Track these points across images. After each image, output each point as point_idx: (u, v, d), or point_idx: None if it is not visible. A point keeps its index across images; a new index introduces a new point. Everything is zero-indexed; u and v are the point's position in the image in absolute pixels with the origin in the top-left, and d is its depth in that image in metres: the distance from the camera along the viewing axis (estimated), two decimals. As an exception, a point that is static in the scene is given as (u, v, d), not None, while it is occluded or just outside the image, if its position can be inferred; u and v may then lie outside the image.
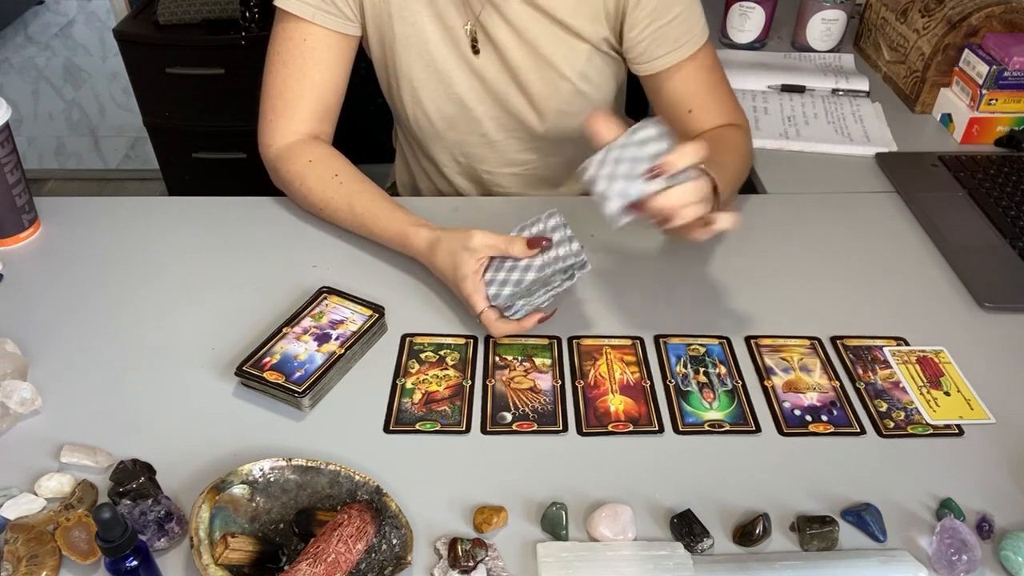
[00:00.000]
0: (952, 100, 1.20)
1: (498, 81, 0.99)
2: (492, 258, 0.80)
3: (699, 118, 0.98)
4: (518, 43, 0.96)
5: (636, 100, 1.21)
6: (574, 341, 0.82)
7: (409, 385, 0.77)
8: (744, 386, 0.77)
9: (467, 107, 1.01)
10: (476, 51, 0.97)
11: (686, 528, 0.63)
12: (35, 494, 0.65)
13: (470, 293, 0.79)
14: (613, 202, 0.71)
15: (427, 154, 1.10)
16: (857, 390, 0.77)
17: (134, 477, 0.64)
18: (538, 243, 0.78)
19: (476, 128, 1.04)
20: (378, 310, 0.82)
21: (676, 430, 0.73)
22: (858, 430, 0.73)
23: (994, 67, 1.12)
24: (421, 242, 0.86)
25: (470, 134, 1.05)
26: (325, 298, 0.83)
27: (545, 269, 0.78)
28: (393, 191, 1.25)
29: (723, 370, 0.79)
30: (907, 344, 0.82)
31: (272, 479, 0.65)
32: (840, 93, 1.29)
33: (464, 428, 0.73)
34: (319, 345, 0.77)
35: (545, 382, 0.77)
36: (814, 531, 0.63)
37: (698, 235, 0.75)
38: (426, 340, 0.81)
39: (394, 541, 0.61)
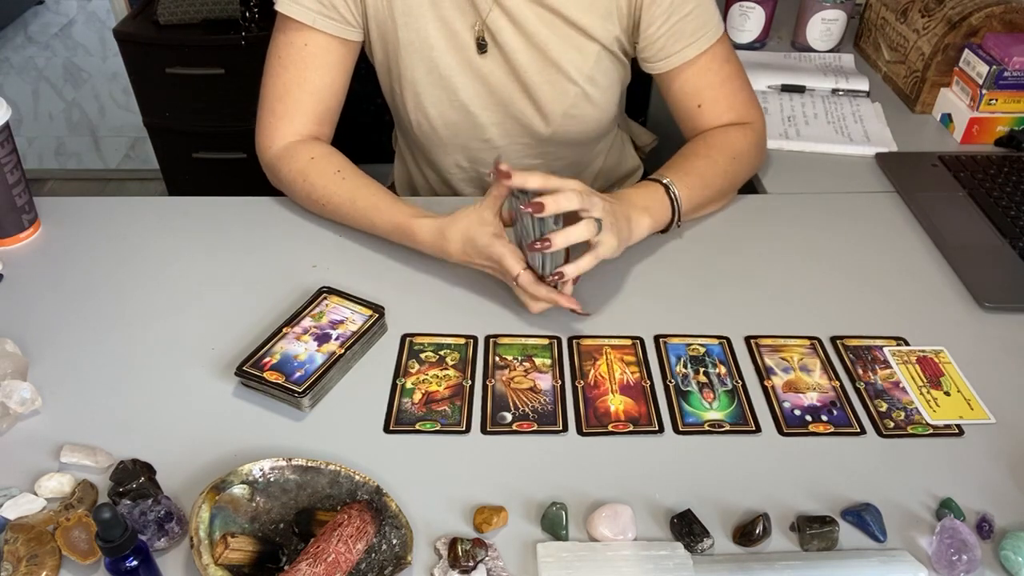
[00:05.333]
0: (952, 100, 1.20)
1: (503, 85, 0.99)
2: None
3: (708, 113, 0.98)
4: (526, 45, 0.95)
5: (636, 100, 1.22)
6: (574, 341, 0.82)
7: (409, 385, 0.77)
8: (744, 386, 0.77)
9: (471, 113, 1.01)
10: (481, 52, 0.96)
11: (686, 528, 0.63)
12: (35, 494, 0.65)
13: (502, 255, 0.79)
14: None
15: (429, 159, 1.10)
16: (857, 390, 0.77)
17: (134, 477, 0.64)
18: (497, 164, 0.78)
19: (480, 134, 1.04)
20: (378, 310, 0.82)
21: (676, 430, 0.73)
22: (858, 430, 0.73)
23: (994, 67, 1.12)
24: (426, 232, 0.86)
25: (474, 140, 1.05)
26: (325, 298, 0.83)
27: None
28: (391, 192, 1.24)
29: (723, 370, 0.79)
30: (907, 344, 0.82)
31: (272, 479, 0.65)
32: (840, 93, 1.29)
33: (464, 428, 0.73)
34: (319, 345, 0.77)
35: (545, 382, 0.77)
36: (814, 531, 0.63)
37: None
38: (426, 340, 0.81)
39: (394, 541, 0.61)
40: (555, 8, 0.93)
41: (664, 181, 0.89)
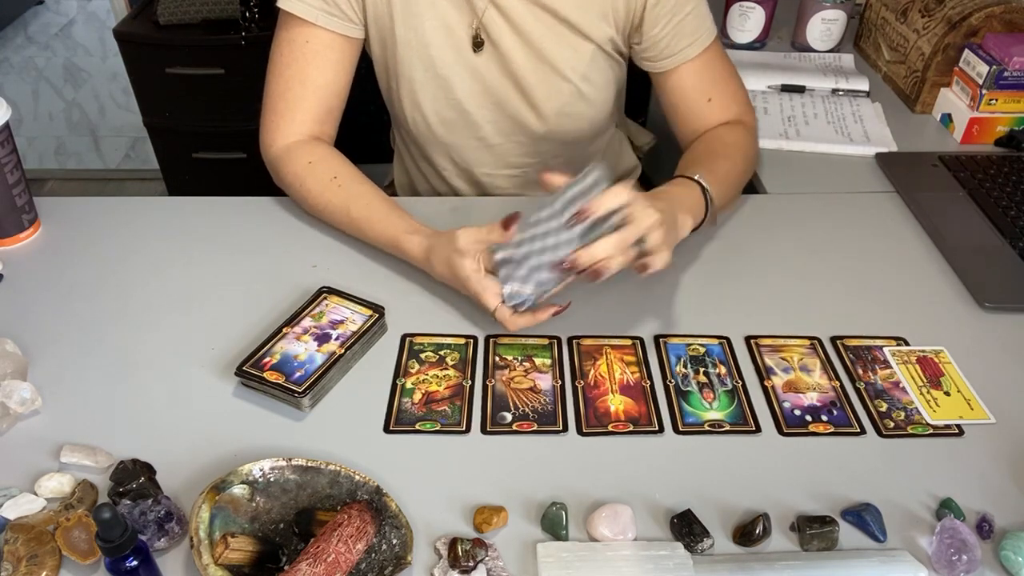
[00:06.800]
0: (952, 100, 1.20)
1: (499, 83, 0.99)
2: (505, 260, 0.79)
3: (717, 106, 0.99)
4: (521, 44, 0.96)
5: (636, 100, 1.21)
6: (574, 341, 0.82)
7: (409, 385, 0.77)
8: (744, 386, 0.77)
9: (466, 111, 1.01)
10: (476, 50, 0.97)
11: (686, 528, 0.63)
12: (35, 494, 0.65)
13: (478, 293, 0.79)
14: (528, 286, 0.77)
15: (425, 156, 1.10)
16: (857, 390, 0.77)
17: (134, 477, 0.64)
18: (511, 221, 0.77)
19: (475, 132, 1.04)
20: (378, 310, 0.82)
21: (676, 430, 0.73)
22: (858, 430, 0.73)
23: (994, 67, 1.12)
24: (415, 250, 0.86)
25: (469, 138, 1.05)
26: (325, 298, 0.83)
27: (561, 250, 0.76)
28: (391, 191, 1.25)
29: (723, 370, 0.79)
30: (907, 344, 0.82)
31: (272, 479, 0.65)
32: (840, 93, 1.29)
33: (464, 428, 0.73)
34: (319, 345, 0.77)
35: (545, 382, 0.77)
36: (814, 531, 0.63)
37: (641, 274, 0.76)
38: (426, 340, 0.81)
39: (394, 541, 0.61)
40: (550, 7, 0.93)
41: (696, 178, 0.88)
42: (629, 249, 0.74)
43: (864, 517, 0.64)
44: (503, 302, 0.79)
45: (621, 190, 0.73)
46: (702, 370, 0.79)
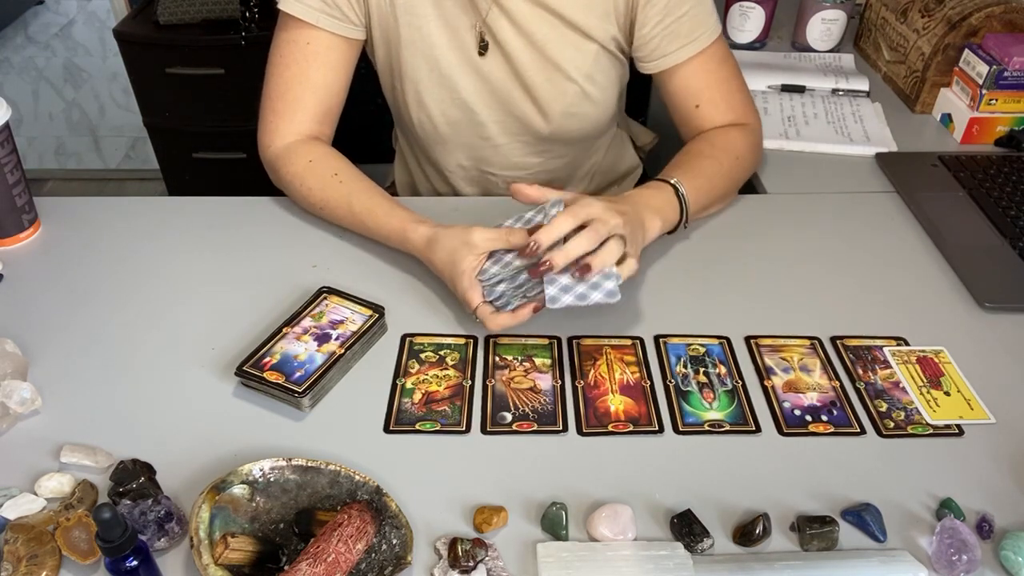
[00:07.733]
0: (952, 100, 1.20)
1: (503, 83, 0.99)
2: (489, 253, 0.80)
3: (705, 113, 0.99)
4: (524, 44, 0.96)
5: (636, 101, 1.21)
6: (574, 341, 0.82)
7: (409, 385, 0.77)
8: (744, 386, 0.77)
9: (472, 111, 1.01)
10: (482, 52, 0.97)
11: (686, 528, 0.63)
12: (35, 494, 0.65)
13: (465, 289, 0.79)
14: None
15: (430, 157, 1.10)
16: (857, 390, 0.77)
17: (134, 477, 0.64)
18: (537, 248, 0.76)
19: (480, 132, 1.04)
20: (378, 310, 0.82)
21: (676, 430, 0.73)
22: (858, 430, 0.73)
23: (994, 67, 1.12)
24: (419, 239, 0.86)
25: (474, 138, 1.05)
26: (325, 298, 0.83)
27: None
28: (392, 192, 1.25)
29: (723, 370, 0.79)
30: (907, 344, 0.82)
31: (272, 479, 0.65)
32: (840, 93, 1.29)
33: (464, 428, 0.73)
34: (319, 345, 0.77)
35: (545, 382, 0.77)
36: (814, 531, 0.63)
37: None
38: (426, 340, 0.81)
39: (394, 541, 0.61)
40: (553, 8, 0.93)
41: (672, 182, 0.89)
42: (614, 245, 0.75)
43: (864, 517, 0.64)
44: (485, 301, 0.79)
45: (566, 218, 0.75)
46: (702, 370, 0.79)
